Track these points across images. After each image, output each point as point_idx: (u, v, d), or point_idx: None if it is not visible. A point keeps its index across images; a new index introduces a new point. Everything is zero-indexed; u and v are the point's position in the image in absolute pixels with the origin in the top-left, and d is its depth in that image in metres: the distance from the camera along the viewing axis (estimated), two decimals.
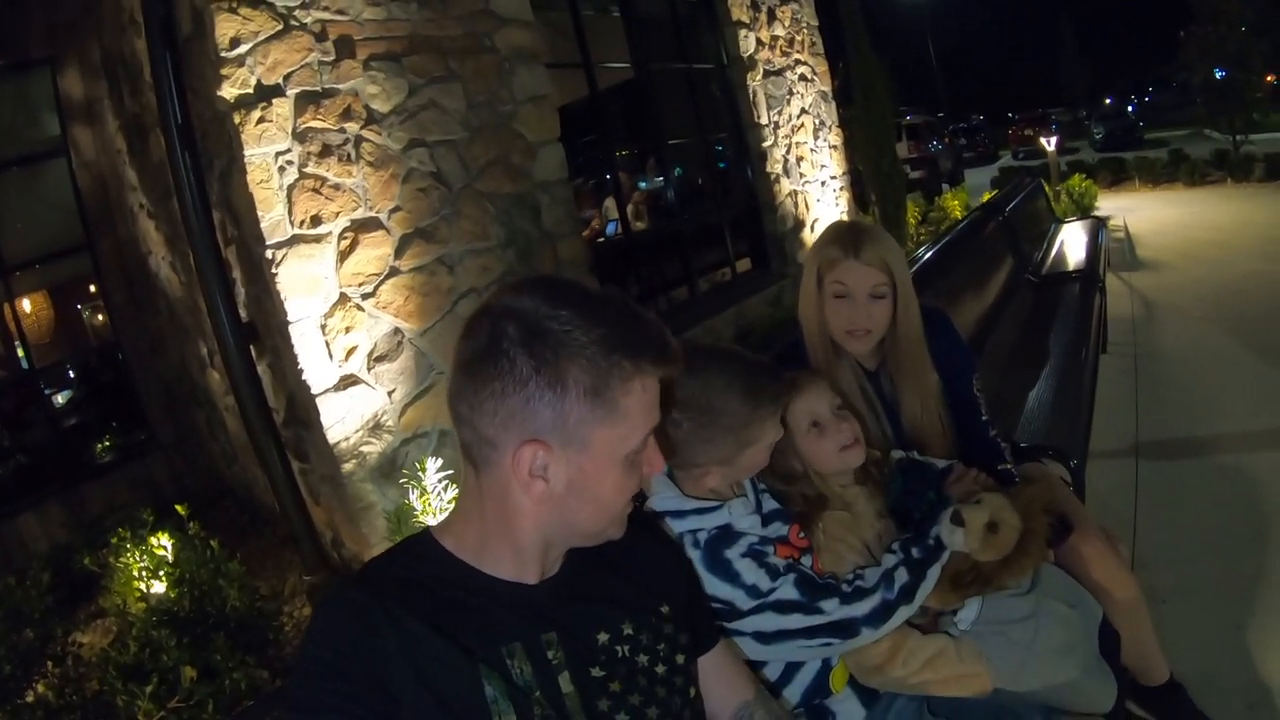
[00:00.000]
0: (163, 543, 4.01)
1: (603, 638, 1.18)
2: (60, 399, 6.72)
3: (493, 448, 1.09)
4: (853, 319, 2.03)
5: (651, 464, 1.17)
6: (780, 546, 1.57)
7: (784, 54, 8.14)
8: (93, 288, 6.75)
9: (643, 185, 8.03)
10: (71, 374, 7.04)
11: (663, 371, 1.14)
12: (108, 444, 6.43)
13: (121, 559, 4.04)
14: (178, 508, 4.26)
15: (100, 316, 6.94)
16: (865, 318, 2.02)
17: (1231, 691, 2.55)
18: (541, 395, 1.06)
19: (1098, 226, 7.45)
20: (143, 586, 3.91)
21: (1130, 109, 44.22)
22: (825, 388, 1.80)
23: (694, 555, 1.50)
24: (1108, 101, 50.14)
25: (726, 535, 1.52)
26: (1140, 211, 12.93)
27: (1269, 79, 20.80)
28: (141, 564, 3.96)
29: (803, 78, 8.44)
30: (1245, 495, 3.66)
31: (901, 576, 1.55)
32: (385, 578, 1.12)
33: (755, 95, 7.68)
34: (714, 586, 1.49)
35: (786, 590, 1.50)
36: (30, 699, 3.38)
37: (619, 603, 1.23)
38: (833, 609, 1.50)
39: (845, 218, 8.79)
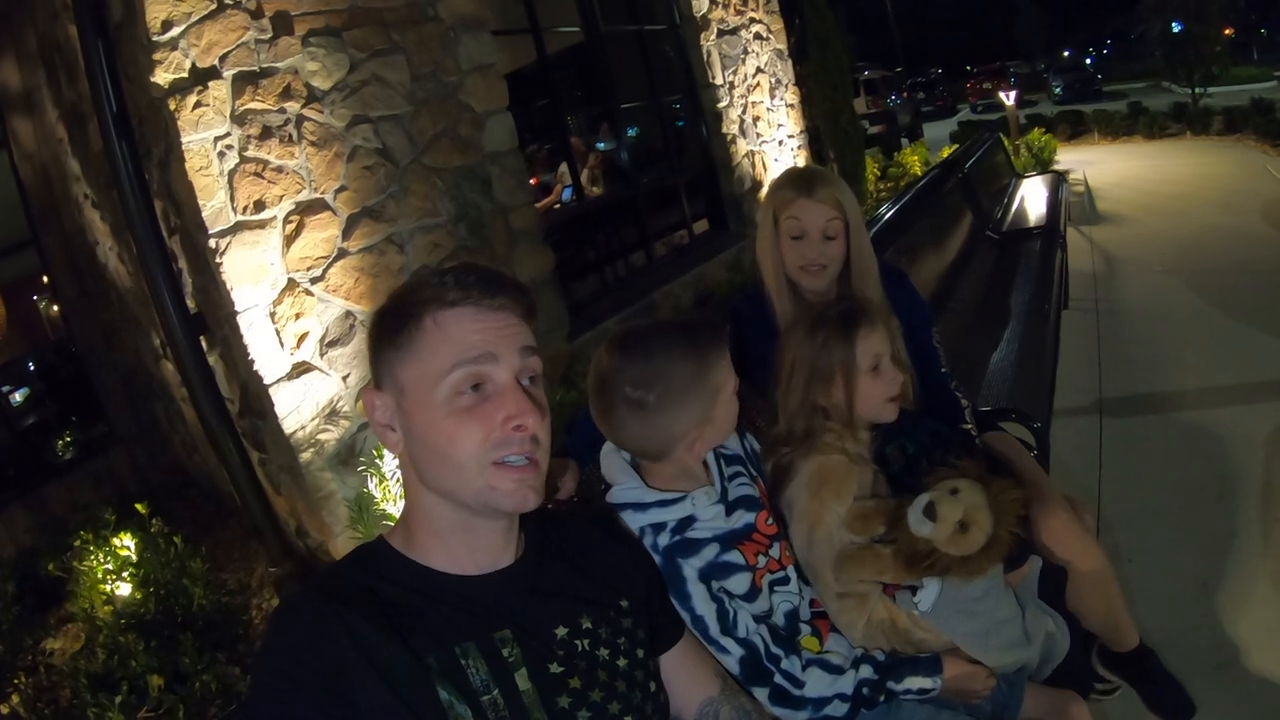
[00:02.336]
0: (126, 543, 3.96)
1: (561, 632, 1.16)
2: (18, 398, 6.57)
3: None
4: (806, 255, 2.08)
5: (512, 418, 1.12)
6: (745, 544, 1.53)
7: (738, 12, 8.04)
8: (45, 281, 6.59)
9: (601, 146, 7.95)
10: (27, 372, 6.89)
11: (463, 303, 1.13)
12: (68, 441, 6.32)
13: (85, 562, 3.99)
14: (138, 506, 4.20)
15: (53, 311, 6.79)
16: (819, 254, 2.07)
17: (1199, 650, 2.56)
18: (372, 347, 1.17)
19: (1058, 181, 7.48)
20: (108, 589, 3.86)
21: (1088, 61, 44.43)
22: (894, 331, 1.82)
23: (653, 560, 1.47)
24: (1066, 54, 50.29)
25: (685, 544, 1.47)
26: (1100, 165, 13.03)
27: (1227, 32, 20.94)
28: (106, 566, 3.91)
29: (758, 36, 8.35)
30: (1210, 451, 3.69)
31: (838, 710, 1.50)
32: (337, 584, 1.10)
33: (709, 55, 7.59)
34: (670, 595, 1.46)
35: (728, 657, 1.45)
36: (6, 711, 3.36)
37: (577, 596, 1.21)
38: (761, 699, 1.46)
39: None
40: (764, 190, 7.75)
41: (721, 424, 1.53)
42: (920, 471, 1.75)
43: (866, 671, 1.53)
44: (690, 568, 1.46)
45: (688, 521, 1.48)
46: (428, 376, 1.11)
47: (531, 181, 7.80)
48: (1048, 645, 1.75)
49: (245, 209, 3.77)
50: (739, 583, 1.49)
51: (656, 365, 1.44)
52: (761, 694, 1.46)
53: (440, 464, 1.11)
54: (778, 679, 1.47)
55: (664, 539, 1.47)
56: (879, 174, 12.21)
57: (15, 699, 3.43)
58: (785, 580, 1.59)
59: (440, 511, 1.14)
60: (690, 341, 1.47)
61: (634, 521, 1.48)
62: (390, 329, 1.13)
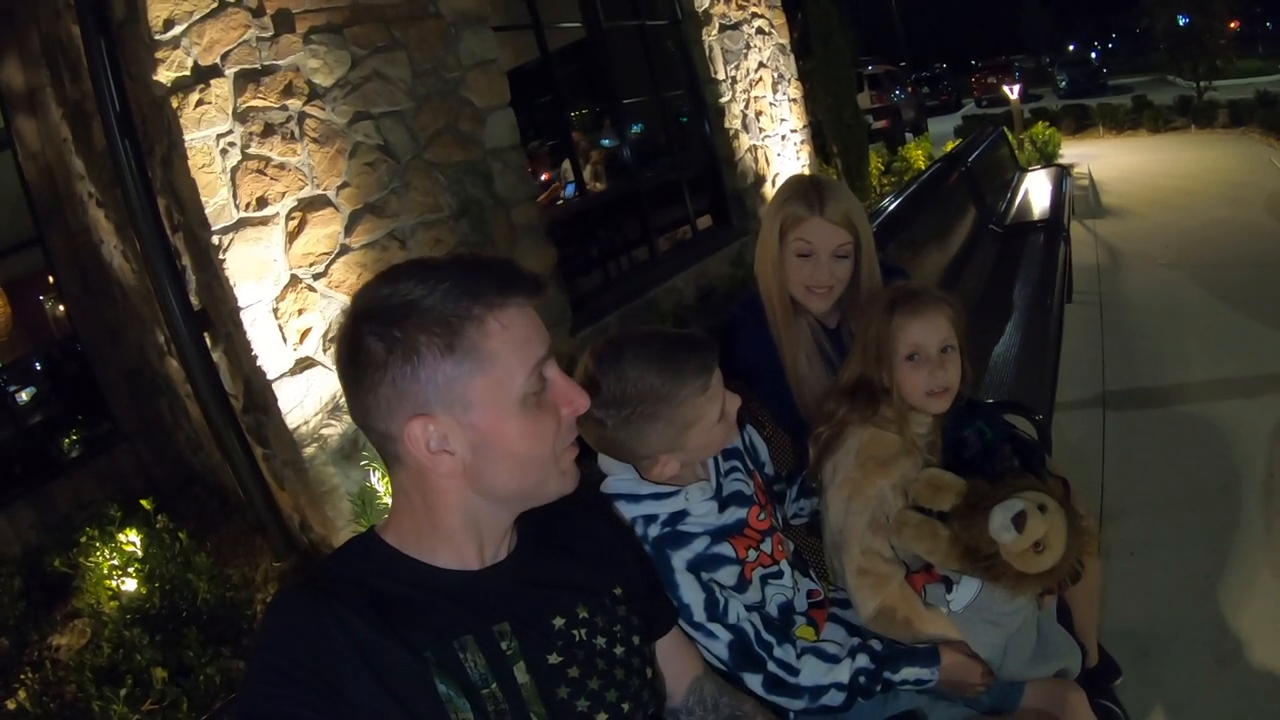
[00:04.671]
0: (131, 539, 3.98)
1: (558, 622, 1.15)
2: (24, 396, 6.60)
3: (393, 440, 1.06)
4: (815, 276, 2.00)
5: (571, 402, 1.12)
6: (735, 539, 1.53)
7: (740, 7, 8.04)
8: (49, 280, 6.61)
9: (605, 143, 7.96)
10: (33, 370, 6.91)
11: (514, 300, 1.07)
12: (73, 439, 6.33)
13: (91, 558, 4.02)
14: (144, 502, 4.22)
15: (58, 309, 6.81)
16: (828, 276, 2.00)
17: (1201, 644, 2.56)
18: (403, 371, 1.02)
19: (1062, 174, 7.46)
20: (114, 585, 3.88)
21: (1093, 55, 44.28)
22: (945, 321, 1.73)
23: None
24: (1071, 48, 50.10)
25: (675, 536, 1.47)
26: (1104, 158, 12.97)
27: (1232, 25, 20.85)
28: (111, 562, 3.93)
29: (760, 31, 8.35)
30: (1213, 444, 3.69)
31: (834, 699, 1.51)
32: (332, 579, 1.08)
33: (711, 50, 7.60)
34: None
35: (716, 642, 1.45)
36: (12, 706, 3.38)
37: (572, 586, 1.20)
38: (755, 686, 1.47)
39: (806, 171, 8.74)
40: (767, 185, 7.76)
41: (696, 451, 1.50)
42: (997, 458, 1.75)
43: (863, 660, 1.53)
44: (679, 559, 1.45)
45: (680, 515, 1.48)
46: (503, 384, 1.05)
47: (543, 177, 7.85)
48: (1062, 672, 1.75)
49: (248, 206, 3.79)
50: (727, 575, 1.49)
51: (624, 388, 1.40)
52: (755, 680, 1.46)
53: (512, 466, 1.08)
54: (772, 666, 1.47)
55: (654, 530, 1.47)
56: (883, 169, 12.19)
57: (22, 694, 3.45)
58: (778, 574, 1.59)
59: (467, 516, 1.12)
60: (668, 371, 1.41)
61: (626, 512, 1.48)
62: (440, 345, 1.02)
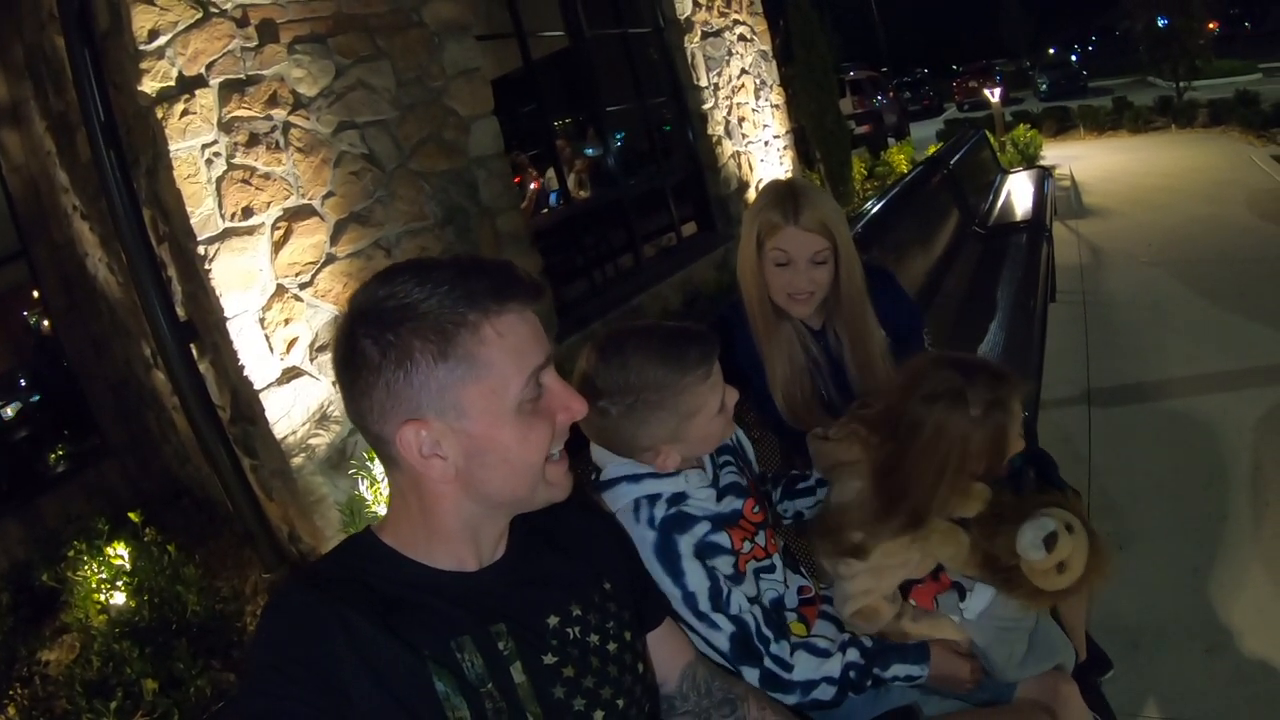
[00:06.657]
0: (119, 552, 3.96)
1: (552, 621, 1.15)
2: (9, 411, 6.56)
3: (387, 443, 1.05)
4: (794, 284, 2.00)
5: (568, 408, 1.11)
6: (732, 529, 1.53)
7: (722, 14, 8.08)
8: (34, 293, 6.58)
9: (589, 152, 7.97)
10: (17, 385, 6.88)
11: (512, 307, 1.05)
12: (60, 453, 6.31)
13: (79, 572, 3.99)
14: (131, 515, 4.20)
15: (43, 323, 6.78)
16: (807, 282, 2.00)
17: (1190, 634, 2.59)
18: (395, 376, 1.01)
19: (1043, 176, 7.48)
20: (103, 599, 3.86)
21: (1074, 58, 44.57)
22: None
23: (647, 536, 1.44)
24: (1051, 51, 50.45)
25: (680, 518, 1.46)
26: (1086, 159, 13.06)
27: (1211, 26, 21.02)
28: (100, 576, 3.91)
29: (742, 38, 8.39)
30: (1197, 438, 3.72)
31: (825, 693, 1.51)
32: (330, 578, 1.08)
33: (694, 57, 7.63)
34: (658, 575, 1.43)
35: (718, 634, 1.45)
36: None
37: (564, 584, 1.20)
38: (751, 680, 1.47)
39: (789, 176, 8.76)
40: (750, 191, 7.79)
41: (697, 444, 1.51)
42: (1022, 480, 1.80)
43: (853, 655, 1.53)
44: (685, 543, 1.45)
45: (681, 496, 1.48)
46: (498, 391, 1.04)
47: (533, 185, 7.86)
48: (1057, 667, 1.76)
49: (233, 216, 3.78)
50: (723, 565, 1.49)
51: (627, 378, 1.42)
52: (752, 675, 1.46)
53: (506, 472, 1.08)
54: (768, 662, 1.47)
55: (660, 510, 1.46)
56: (866, 174, 12.26)
57: (11, 710, 3.43)
58: (771, 569, 1.59)
59: (463, 519, 1.11)
60: (670, 360, 1.42)
61: (629, 494, 1.47)
62: (434, 351, 1.01)
